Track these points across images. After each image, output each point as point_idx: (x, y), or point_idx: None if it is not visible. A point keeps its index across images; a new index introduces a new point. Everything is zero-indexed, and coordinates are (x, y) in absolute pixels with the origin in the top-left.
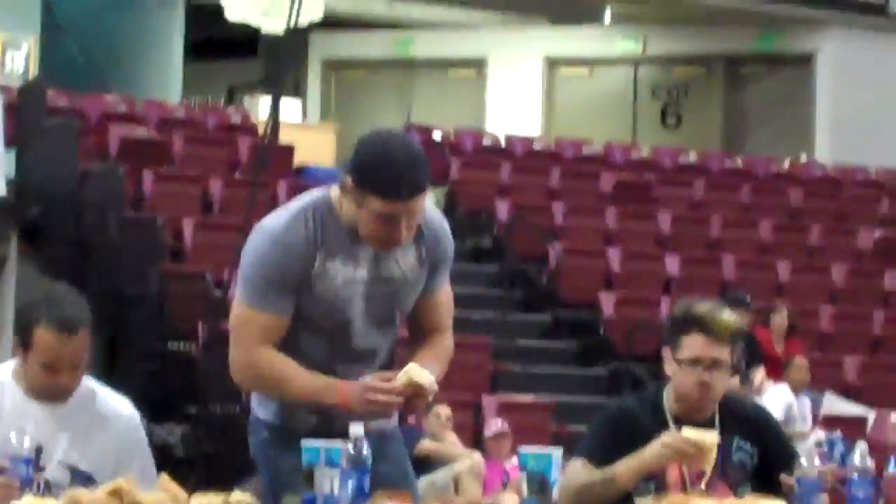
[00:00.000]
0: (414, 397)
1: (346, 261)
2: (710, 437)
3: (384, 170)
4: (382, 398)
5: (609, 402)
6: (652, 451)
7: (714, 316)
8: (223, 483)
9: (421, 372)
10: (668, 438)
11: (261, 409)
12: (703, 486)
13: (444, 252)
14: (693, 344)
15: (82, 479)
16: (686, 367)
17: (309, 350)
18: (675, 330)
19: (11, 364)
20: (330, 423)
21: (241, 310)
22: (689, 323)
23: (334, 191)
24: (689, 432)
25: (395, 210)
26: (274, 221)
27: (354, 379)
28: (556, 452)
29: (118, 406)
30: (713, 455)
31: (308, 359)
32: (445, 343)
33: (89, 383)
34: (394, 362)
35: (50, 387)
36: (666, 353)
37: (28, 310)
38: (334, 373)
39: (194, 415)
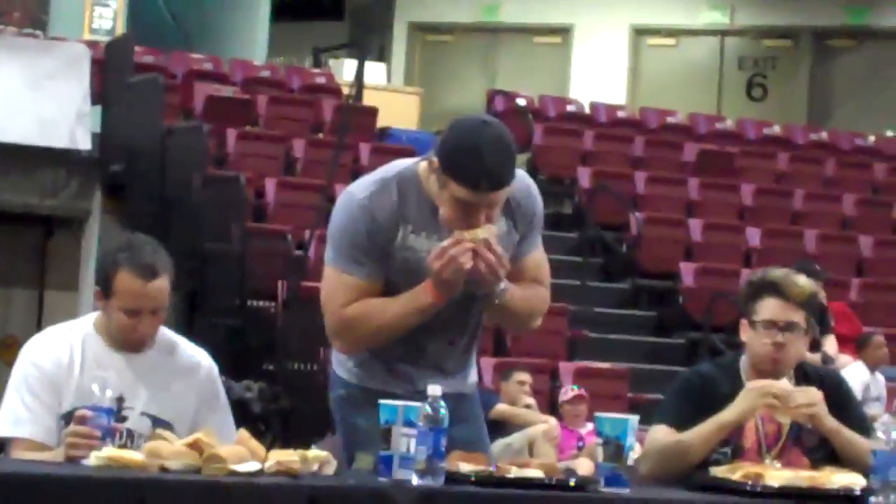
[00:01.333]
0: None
1: (430, 234)
2: (788, 384)
3: (470, 159)
4: (451, 253)
5: (686, 369)
6: (732, 407)
7: (789, 280)
8: (299, 439)
9: (474, 231)
10: (750, 387)
11: (339, 367)
12: (777, 451)
13: (532, 218)
14: (768, 307)
15: (163, 428)
16: (761, 329)
17: None
18: (752, 295)
19: (93, 316)
20: (410, 383)
21: (330, 274)
22: (765, 287)
23: (422, 164)
24: (766, 382)
25: (476, 199)
26: (361, 188)
27: (441, 351)
28: (633, 418)
29: (198, 357)
30: (802, 400)
31: None
32: (539, 291)
33: (168, 334)
34: (480, 336)
35: (132, 334)
36: (742, 320)
37: (109, 257)
38: (417, 344)
39: (272, 372)
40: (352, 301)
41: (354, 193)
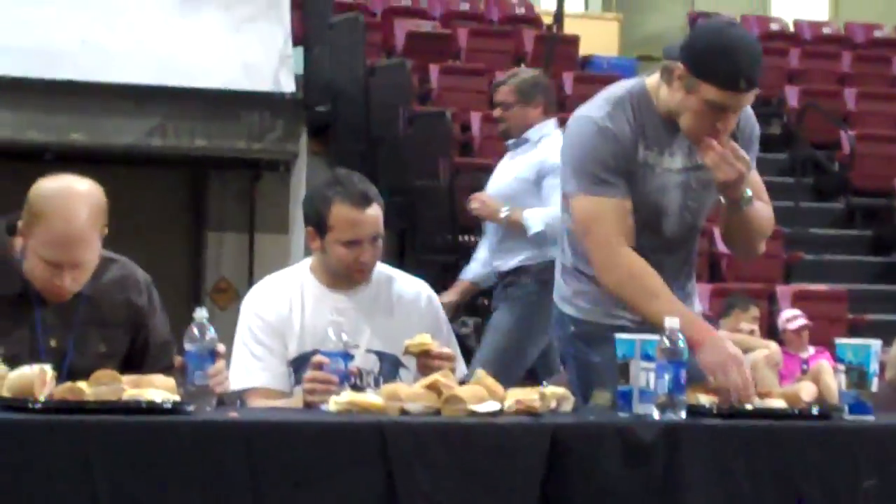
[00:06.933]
0: None
1: (662, 150)
2: None
3: (726, 59)
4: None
5: None
6: None
7: None
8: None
9: None
10: None
11: (565, 304)
12: None
13: (751, 137)
14: None
15: (390, 362)
16: None
17: None
18: None
19: (307, 261)
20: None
21: (585, 203)
22: None
23: (650, 80)
24: None
25: (729, 101)
26: (597, 109)
27: (670, 281)
28: (876, 343)
29: (416, 287)
30: None
31: None
32: (766, 207)
33: (384, 269)
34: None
35: (354, 265)
36: None
37: (318, 194)
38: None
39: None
40: (618, 229)
41: (591, 116)
